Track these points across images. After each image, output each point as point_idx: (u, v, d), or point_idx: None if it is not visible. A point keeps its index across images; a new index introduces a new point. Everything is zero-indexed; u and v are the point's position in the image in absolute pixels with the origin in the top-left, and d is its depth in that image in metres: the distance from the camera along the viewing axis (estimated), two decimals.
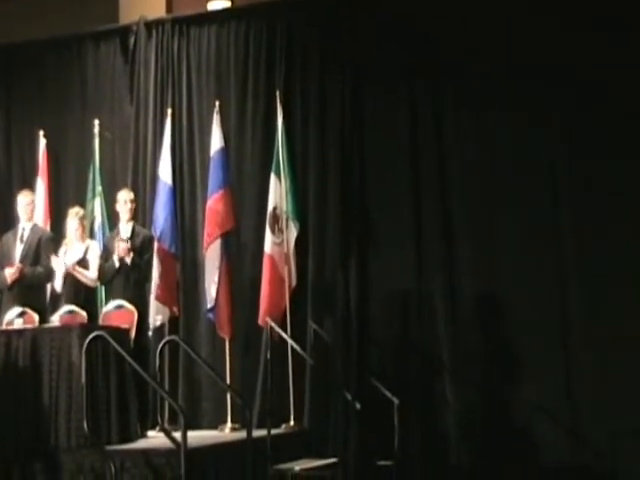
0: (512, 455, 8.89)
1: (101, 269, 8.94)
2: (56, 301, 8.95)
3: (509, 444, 8.95)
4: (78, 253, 8.91)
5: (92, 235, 9.62)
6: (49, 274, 8.92)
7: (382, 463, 8.63)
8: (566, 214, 9.14)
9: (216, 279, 9.41)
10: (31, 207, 9.20)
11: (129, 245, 8.82)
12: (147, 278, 9.23)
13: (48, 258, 8.88)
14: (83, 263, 8.88)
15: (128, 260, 8.82)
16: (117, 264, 8.85)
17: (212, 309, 9.45)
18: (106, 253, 9.06)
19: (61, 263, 8.84)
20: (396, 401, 8.77)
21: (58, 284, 8.86)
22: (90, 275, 8.90)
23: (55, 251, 8.97)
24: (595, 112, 8.96)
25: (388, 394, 8.80)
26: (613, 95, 8.89)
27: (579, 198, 9.06)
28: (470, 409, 9.14)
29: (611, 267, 8.86)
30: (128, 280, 8.89)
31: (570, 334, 9.04)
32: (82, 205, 9.52)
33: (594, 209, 8.95)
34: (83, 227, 9.06)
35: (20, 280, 8.84)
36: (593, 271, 8.94)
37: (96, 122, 10.24)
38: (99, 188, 10.00)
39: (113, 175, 10.54)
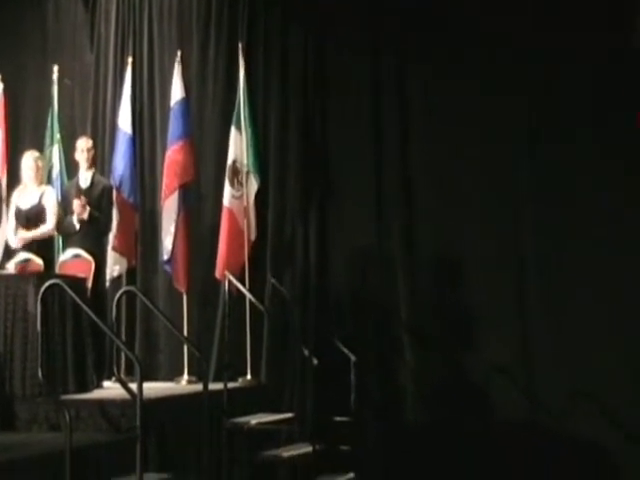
0: (468, 413, 8.97)
1: (60, 222, 8.78)
2: (11, 248, 8.80)
3: (465, 402, 9.04)
4: (33, 198, 8.70)
5: (50, 182, 9.46)
6: None
7: (338, 419, 8.65)
8: (526, 173, 9.18)
9: (172, 230, 9.33)
10: None
11: (83, 202, 8.67)
12: (107, 230, 9.12)
13: None
14: (38, 209, 8.68)
15: (85, 216, 8.69)
16: (77, 225, 8.72)
17: (169, 261, 9.38)
18: (65, 203, 8.92)
19: (12, 218, 8.67)
20: (353, 358, 8.78)
21: (10, 236, 8.69)
22: (46, 227, 8.68)
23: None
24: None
25: (345, 350, 8.80)
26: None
27: (540, 157, 9.10)
28: (427, 366, 9.19)
29: (569, 228, 8.93)
30: (87, 231, 8.77)
31: (527, 294, 9.14)
32: (40, 152, 9.34)
33: (556, 170, 8.98)
34: (38, 169, 8.82)
35: None
36: (551, 232, 9.02)
37: (55, 68, 10.04)
38: (57, 135, 9.84)
39: (72, 122, 10.38)
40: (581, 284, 8.84)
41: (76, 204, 8.66)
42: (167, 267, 9.45)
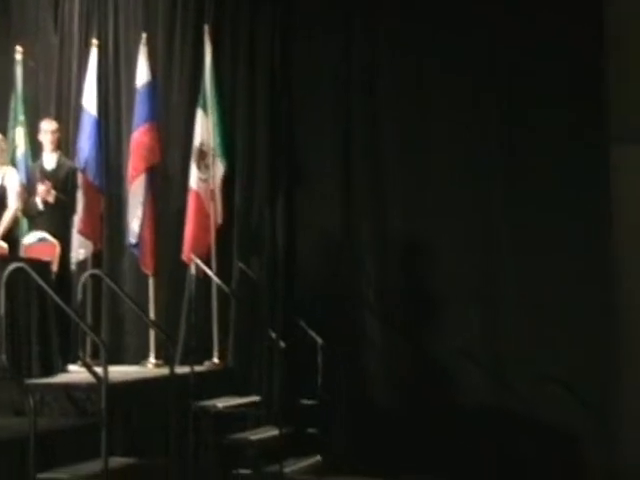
0: (435, 397, 8.98)
1: (25, 204, 8.71)
2: None
3: (432, 386, 9.04)
4: None
5: (14, 164, 9.33)
6: None
7: (306, 402, 8.66)
8: (499, 162, 9.19)
9: (140, 214, 9.27)
10: None
11: (48, 186, 8.60)
12: (72, 213, 9.05)
13: None
14: (0, 190, 8.58)
15: (51, 199, 8.62)
16: (40, 206, 8.65)
17: (136, 244, 9.33)
18: (30, 185, 8.84)
19: None
20: (320, 341, 8.78)
21: None
22: (9, 213, 8.56)
23: None
24: None
25: (313, 333, 8.80)
26: None
27: (514, 145, 9.11)
28: (395, 350, 9.20)
29: (538, 217, 8.95)
30: (52, 214, 8.70)
31: (495, 279, 9.14)
32: (3, 134, 9.24)
33: (528, 155, 9.02)
34: (2, 151, 8.69)
35: None
36: (521, 220, 9.05)
37: (18, 48, 9.92)
38: (21, 117, 9.71)
39: (36, 104, 10.24)
40: (551, 269, 8.85)
41: (41, 189, 8.58)
42: (134, 250, 9.40)
